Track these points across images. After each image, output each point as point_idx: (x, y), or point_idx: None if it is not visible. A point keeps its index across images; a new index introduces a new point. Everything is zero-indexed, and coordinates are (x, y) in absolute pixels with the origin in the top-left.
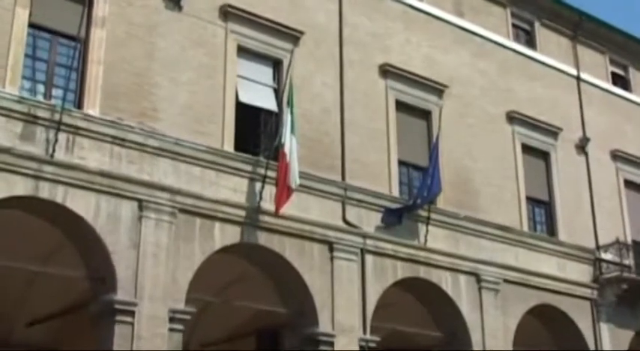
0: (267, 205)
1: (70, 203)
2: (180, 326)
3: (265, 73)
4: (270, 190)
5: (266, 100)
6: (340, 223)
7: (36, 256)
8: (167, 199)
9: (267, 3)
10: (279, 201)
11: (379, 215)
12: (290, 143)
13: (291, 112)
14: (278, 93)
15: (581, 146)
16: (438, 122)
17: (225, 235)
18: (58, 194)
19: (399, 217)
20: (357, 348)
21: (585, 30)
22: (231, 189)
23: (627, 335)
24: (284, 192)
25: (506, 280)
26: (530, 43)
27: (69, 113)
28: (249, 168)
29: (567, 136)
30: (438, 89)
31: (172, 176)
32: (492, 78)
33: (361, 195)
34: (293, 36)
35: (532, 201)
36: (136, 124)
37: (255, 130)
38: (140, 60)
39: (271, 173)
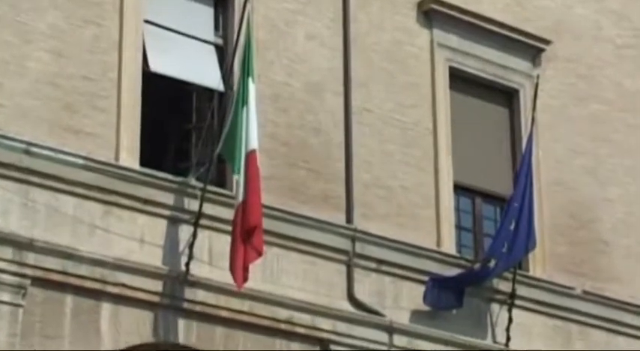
0: (204, 269)
1: None
2: None
3: (199, 16)
4: (209, 240)
5: (201, 70)
6: (345, 305)
7: None
8: (8, 258)
9: None
10: (245, 261)
11: (419, 290)
12: (245, 149)
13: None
14: (224, 55)
15: None
16: (532, 111)
17: (123, 328)
18: None
19: (458, 293)
20: None
21: None
22: (135, 238)
23: None
24: (259, 240)
25: None
26: None
27: None
28: (168, 199)
29: None
30: (531, 47)
31: (19, 215)
32: (635, 28)
33: (384, 250)
34: None
35: None
36: None
37: (180, 128)
38: None
39: (210, 208)
